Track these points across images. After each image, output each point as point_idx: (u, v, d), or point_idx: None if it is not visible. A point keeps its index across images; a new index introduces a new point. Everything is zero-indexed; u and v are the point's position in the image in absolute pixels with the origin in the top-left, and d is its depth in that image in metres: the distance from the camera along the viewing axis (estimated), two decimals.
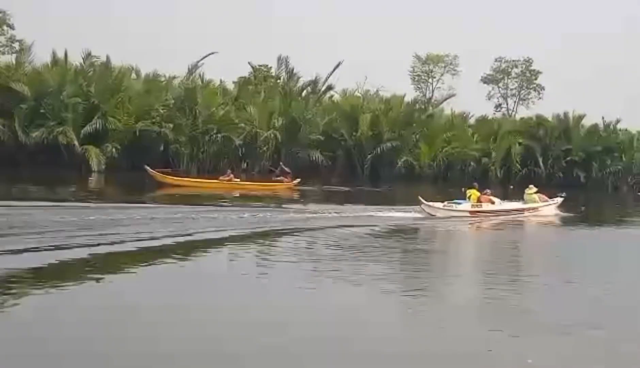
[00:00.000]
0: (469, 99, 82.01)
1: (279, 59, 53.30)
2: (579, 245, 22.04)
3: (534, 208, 29.12)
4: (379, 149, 50.20)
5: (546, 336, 9.34)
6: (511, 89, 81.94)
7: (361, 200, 32.21)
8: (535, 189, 30.38)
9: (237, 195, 31.20)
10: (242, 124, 46.76)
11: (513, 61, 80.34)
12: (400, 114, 52.95)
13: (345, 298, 11.18)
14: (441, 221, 24.70)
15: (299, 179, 37.02)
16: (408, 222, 23.68)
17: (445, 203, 26.68)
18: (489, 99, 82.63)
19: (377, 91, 56.97)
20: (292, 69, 52.74)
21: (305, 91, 53.53)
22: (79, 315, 9.24)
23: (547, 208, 29.61)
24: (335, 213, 24.22)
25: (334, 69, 53.03)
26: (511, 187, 49.36)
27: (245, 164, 47.97)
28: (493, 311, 10.95)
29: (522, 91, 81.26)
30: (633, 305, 11.87)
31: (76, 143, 39.59)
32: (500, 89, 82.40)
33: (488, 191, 28.65)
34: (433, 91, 76.70)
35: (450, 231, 23.53)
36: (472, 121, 59.41)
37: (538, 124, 59.15)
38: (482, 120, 60.56)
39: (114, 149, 40.66)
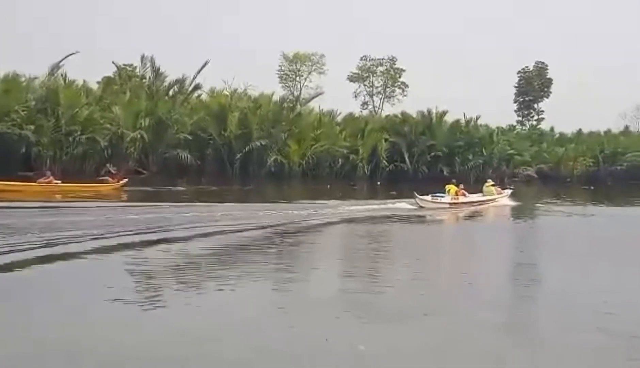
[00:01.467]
0: (336, 97, 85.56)
1: (142, 58, 54.49)
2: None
3: (493, 199, 35.25)
4: (248, 147, 52.22)
5: (385, 324, 10.19)
6: (377, 87, 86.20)
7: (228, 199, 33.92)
8: (492, 183, 37.16)
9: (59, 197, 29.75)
10: (107, 125, 47.62)
11: (378, 59, 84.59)
12: (269, 112, 55.43)
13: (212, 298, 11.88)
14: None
15: (126, 180, 36.35)
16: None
17: (430, 196, 32.02)
18: (356, 97, 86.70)
19: (245, 89, 58.95)
20: (158, 68, 54.04)
21: (172, 91, 54.81)
22: None
23: (503, 199, 36.13)
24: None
25: (201, 68, 54.73)
26: (378, 183, 53.02)
27: (110, 166, 48.49)
28: (347, 303, 11.74)
29: (387, 89, 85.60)
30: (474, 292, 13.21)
31: None
32: (366, 87, 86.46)
33: (462, 185, 34.33)
34: (301, 89, 79.51)
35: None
36: (339, 118, 63.01)
37: (403, 121, 63.17)
38: (350, 118, 64.25)
39: None
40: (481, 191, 36.06)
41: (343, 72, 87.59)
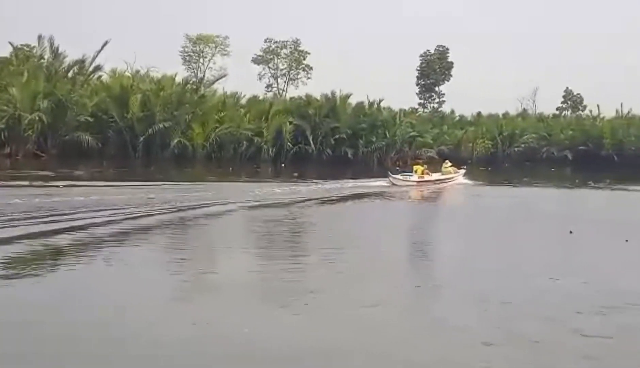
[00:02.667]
0: (240, 79, 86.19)
1: (40, 38, 53.85)
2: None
3: (452, 178, 41.60)
4: (151, 130, 52.29)
5: (272, 307, 11.06)
6: (281, 70, 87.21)
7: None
8: (450, 164, 43.29)
9: None
10: (4, 107, 47.00)
11: (282, 41, 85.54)
12: (172, 94, 55.58)
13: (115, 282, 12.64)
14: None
15: None
16: None
17: (401, 175, 39.22)
18: (260, 79, 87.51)
19: (148, 71, 58.88)
20: (57, 49, 53.41)
21: (72, 72, 54.20)
22: None
23: (459, 177, 42.34)
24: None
25: (101, 49, 54.37)
26: (283, 165, 54.19)
27: (8, 149, 47.96)
28: (244, 285, 12.63)
29: (292, 71, 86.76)
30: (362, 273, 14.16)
31: None
32: (270, 69, 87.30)
33: (426, 166, 41.86)
34: (204, 71, 79.74)
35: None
36: (244, 101, 63.78)
37: (307, 104, 64.16)
38: (254, 100, 65.08)
39: None
40: (440, 171, 41.89)
41: (247, 54, 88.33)
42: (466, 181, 42.52)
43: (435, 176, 40.93)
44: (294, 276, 13.53)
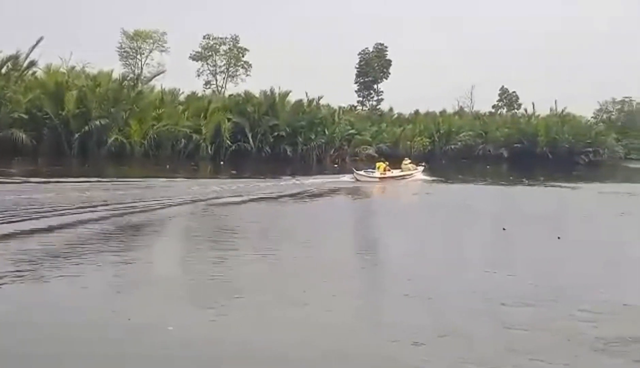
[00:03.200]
0: (179, 76, 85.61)
1: None
2: None
3: (411, 174, 44.96)
4: (87, 127, 51.51)
5: (201, 305, 11.27)
6: (220, 66, 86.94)
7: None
8: (409, 161, 46.95)
9: None
10: None
11: (221, 38, 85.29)
12: (108, 91, 54.69)
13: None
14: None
15: None
16: None
17: (364, 171, 42.18)
18: (199, 76, 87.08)
19: (84, 67, 57.99)
20: None
21: (5, 67, 53.08)
22: None
23: (418, 173, 45.56)
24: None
25: (36, 44, 53.38)
26: (222, 163, 54.12)
27: None
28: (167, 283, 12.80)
29: (231, 68, 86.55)
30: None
31: None
32: (209, 66, 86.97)
33: (387, 163, 44.08)
34: (142, 67, 78.96)
35: None
36: (182, 98, 63.43)
37: (246, 101, 64.02)
38: (192, 97, 64.72)
39: None
40: (400, 168, 44.83)
41: (186, 50, 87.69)
42: (425, 177, 45.42)
43: (396, 172, 44.08)
44: (227, 275, 13.70)
